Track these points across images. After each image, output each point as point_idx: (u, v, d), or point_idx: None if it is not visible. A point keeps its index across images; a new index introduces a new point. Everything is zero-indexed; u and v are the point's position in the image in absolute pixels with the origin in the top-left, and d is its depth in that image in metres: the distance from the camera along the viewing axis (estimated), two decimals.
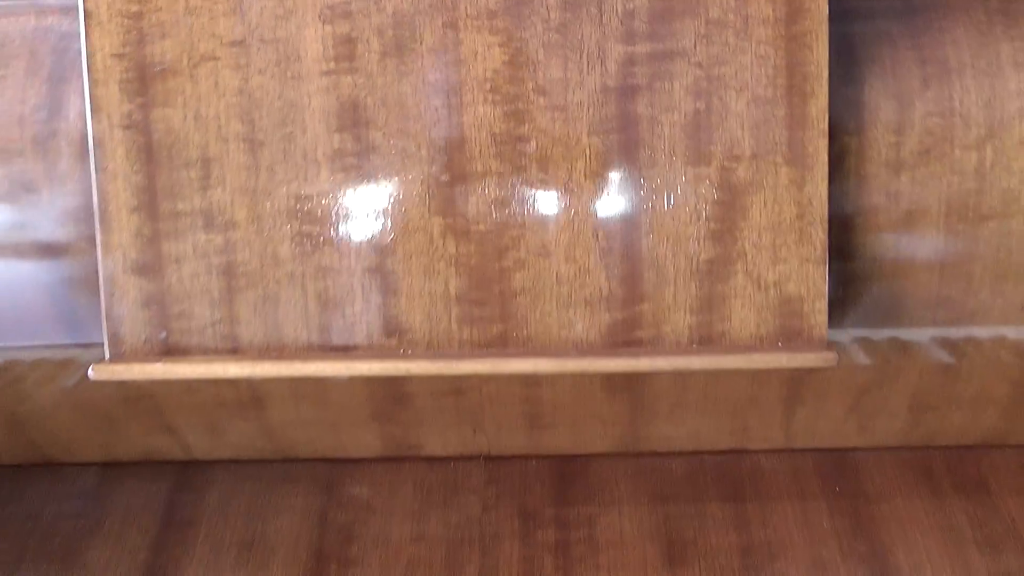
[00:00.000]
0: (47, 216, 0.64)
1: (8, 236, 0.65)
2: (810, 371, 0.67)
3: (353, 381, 0.68)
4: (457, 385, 0.68)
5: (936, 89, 0.62)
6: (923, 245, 0.63)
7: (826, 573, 0.66)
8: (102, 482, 0.75)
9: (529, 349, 0.61)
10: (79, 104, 0.63)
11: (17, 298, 0.66)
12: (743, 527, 0.69)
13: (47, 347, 0.68)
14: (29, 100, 0.64)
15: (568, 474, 0.73)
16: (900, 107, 0.62)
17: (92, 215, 0.62)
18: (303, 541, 0.70)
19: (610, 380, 0.67)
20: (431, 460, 0.74)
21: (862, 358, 0.67)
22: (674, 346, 0.61)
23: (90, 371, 0.61)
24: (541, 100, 0.59)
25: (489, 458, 0.74)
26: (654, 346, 0.61)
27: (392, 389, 0.68)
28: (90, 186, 0.62)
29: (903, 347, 0.66)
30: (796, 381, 0.68)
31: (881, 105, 0.62)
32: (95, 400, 0.71)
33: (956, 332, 0.65)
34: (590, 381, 0.68)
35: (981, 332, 0.66)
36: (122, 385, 0.69)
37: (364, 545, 0.69)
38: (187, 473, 0.75)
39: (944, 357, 0.66)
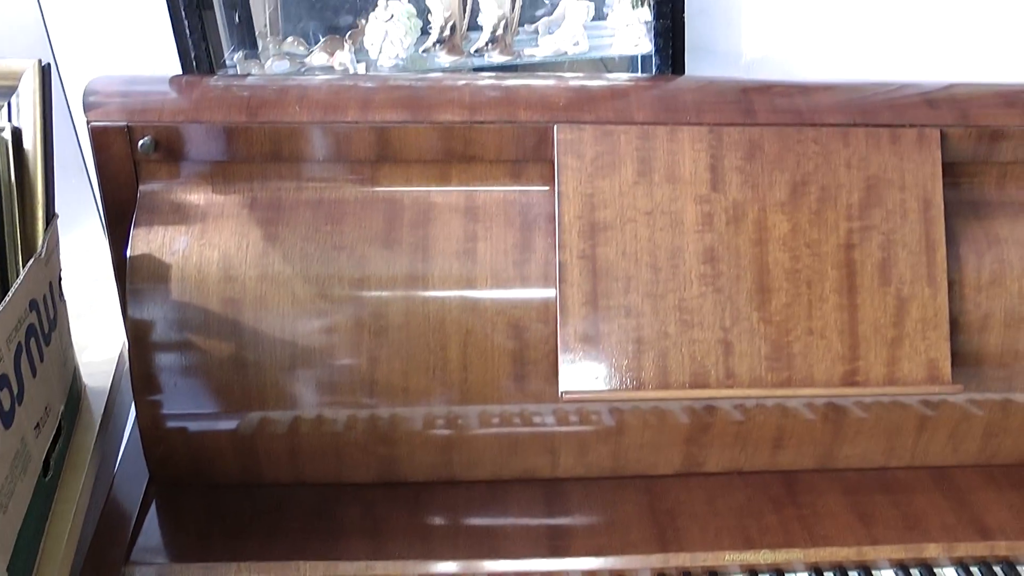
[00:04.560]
0: (524, 306, 1.08)
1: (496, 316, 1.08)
2: (934, 407, 1.16)
3: (684, 411, 1.12)
4: (744, 416, 1.13)
5: (994, 251, 1.16)
6: (992, 339, 1.16)
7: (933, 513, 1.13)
8: (494, 492, 1.15)
9: (803, 384, 1.09)
10: (542, 243, 1.09)
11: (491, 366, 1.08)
12: (898, 506, 1.16)
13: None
14: (509, 240, 1.09)
15: (791, 481, 1.18)
16: (978, 258, 1.16)
17: (548, 307, 1.07)
18: (644, 521, 1.11)
19: (827, 412, 1.15)
20: (708, 474, 1.18)
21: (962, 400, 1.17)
22: (876, 383, 1.10)
23: (562, 395, 1.04)
24: (807, 250, 1.10)
25: (742, 472, 1.19)
26: (866, 383, 1.10)
27: (704, 419, 1.13)
28: (547, 290, 1.07)
29: (983, 394, 1.17)
30: (922, 416, 1.17)
31: (969, 257, 1.16)
32: (506, 427, 1.11)
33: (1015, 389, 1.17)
34: (816, 412, 1.15)
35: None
36: (524, 413, 1.11)
37: (687, 524, 1.11)
38: (550, 486, 1.16)
39: (1011, 397, 1.18)
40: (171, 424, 1.10)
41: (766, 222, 1.10)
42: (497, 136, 1.10)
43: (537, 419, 1.11)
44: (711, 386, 1.08)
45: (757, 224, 1.10)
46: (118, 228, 1.13)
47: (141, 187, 1.10)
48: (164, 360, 1.08)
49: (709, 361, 1.08)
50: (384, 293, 1.07)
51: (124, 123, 1.08)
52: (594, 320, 1.07)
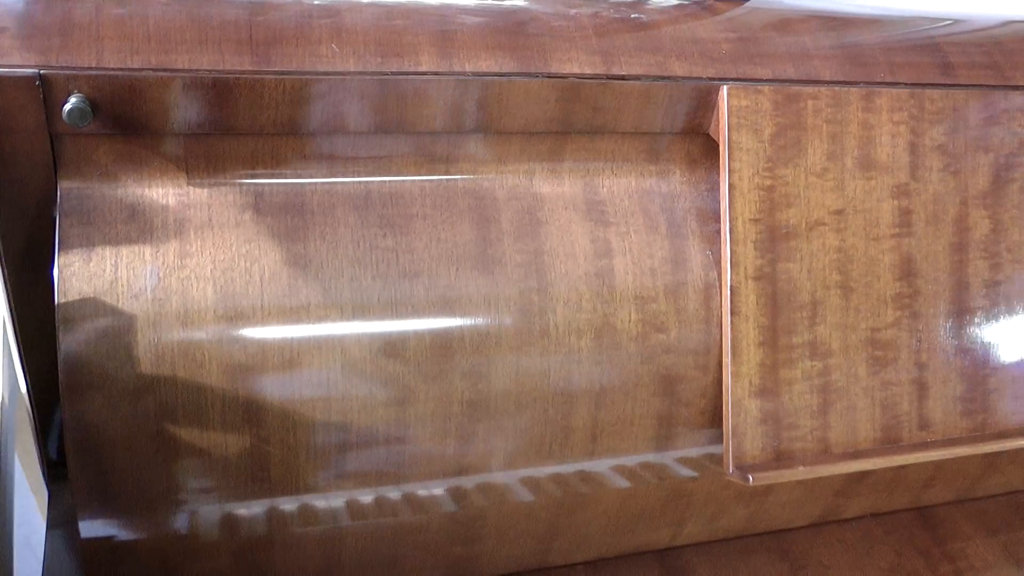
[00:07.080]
0: (677, 350, 0.75)
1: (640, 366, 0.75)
2: None
3: None
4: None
5: None
6: None
7: None
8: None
9: (998, 434, 0.85)
10: (698, 255, 0.76)
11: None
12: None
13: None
14: (656, 253, 0.75)
15: (929, 521, 0.97)
16: None
17: (709, 349, 0.76)
18: None
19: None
20: (841, 522, 0.94)
21: None
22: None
23: (750, 478, 0.74)
24: (1008, 256, 0.85)
25: (875, 515, 0.96)
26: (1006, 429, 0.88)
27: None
28: (709, 325, 0.75)
29: None
30: None
31: None
32: (634, 503, 0.81)
33: None
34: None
35: None
36: (662, 484, 0.81)
37: None
38: (666, 560, 0.87)
39: None
40: (138, 545, 0.70)
41: (967, 220, 0.83)
42: (640, 98, 0.73)
43: (675, 488, 0.81)
44: (903, 443, 0.81)
45: (957, 223, 0.82)
46: (17, 244, 0.67)
47: (63, 182, 0.64)
48: (127, 462, 0.66)
49: (902, 409, 0.81)
50: (483, 343, 0.71)
51: (34, 70, 0.61)
52: (773, 366, 0.76)
